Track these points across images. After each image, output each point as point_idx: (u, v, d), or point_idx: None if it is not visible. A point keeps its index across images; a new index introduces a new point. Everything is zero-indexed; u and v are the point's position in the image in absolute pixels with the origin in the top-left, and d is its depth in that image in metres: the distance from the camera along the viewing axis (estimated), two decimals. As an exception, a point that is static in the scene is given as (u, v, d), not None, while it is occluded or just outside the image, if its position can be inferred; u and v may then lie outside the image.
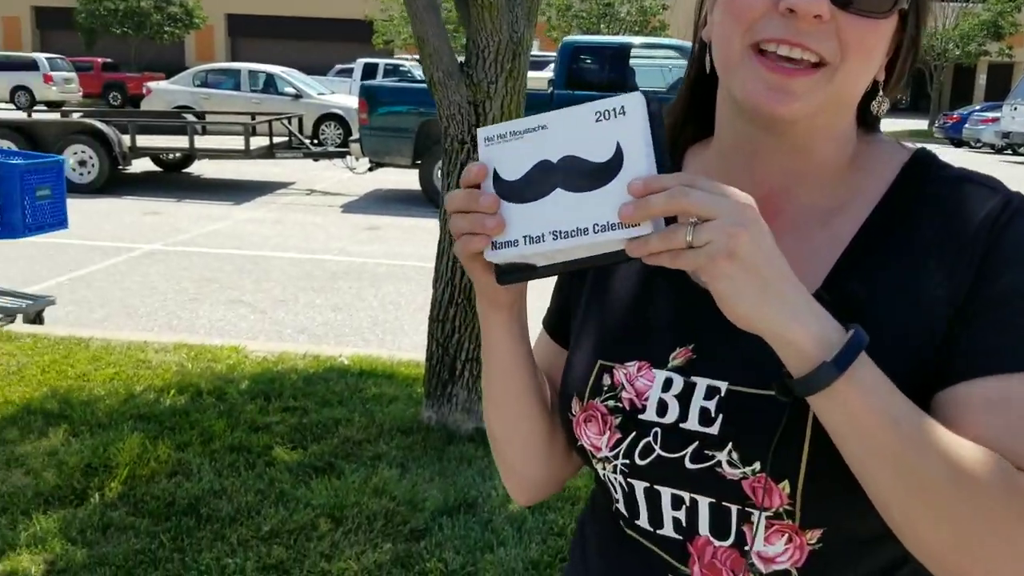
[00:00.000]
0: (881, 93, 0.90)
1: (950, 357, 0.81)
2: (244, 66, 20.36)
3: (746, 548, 0.86)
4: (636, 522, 0.92)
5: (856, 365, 0.73)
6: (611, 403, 0.91)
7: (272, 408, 4.29)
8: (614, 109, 0.75)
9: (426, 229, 9.26)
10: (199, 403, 4.34)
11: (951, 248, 0.83)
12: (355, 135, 13.18)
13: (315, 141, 17.37)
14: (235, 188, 12.86)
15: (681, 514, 0.89)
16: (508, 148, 0.80)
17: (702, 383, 0.87)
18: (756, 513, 0.84)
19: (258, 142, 13.02)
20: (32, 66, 29.07)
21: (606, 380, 0.92)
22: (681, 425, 0.87)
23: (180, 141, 12.95)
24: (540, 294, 1.07)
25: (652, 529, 0.91)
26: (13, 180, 5.67)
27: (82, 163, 11.78)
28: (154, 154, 13.37)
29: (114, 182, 11.97)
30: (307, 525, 3.25)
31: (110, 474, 3.59)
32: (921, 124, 31.69)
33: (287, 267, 8.09)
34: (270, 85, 19.35)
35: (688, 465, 0.86)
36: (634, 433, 0.89)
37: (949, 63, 33.67)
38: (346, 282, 7.60)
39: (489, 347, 0.95)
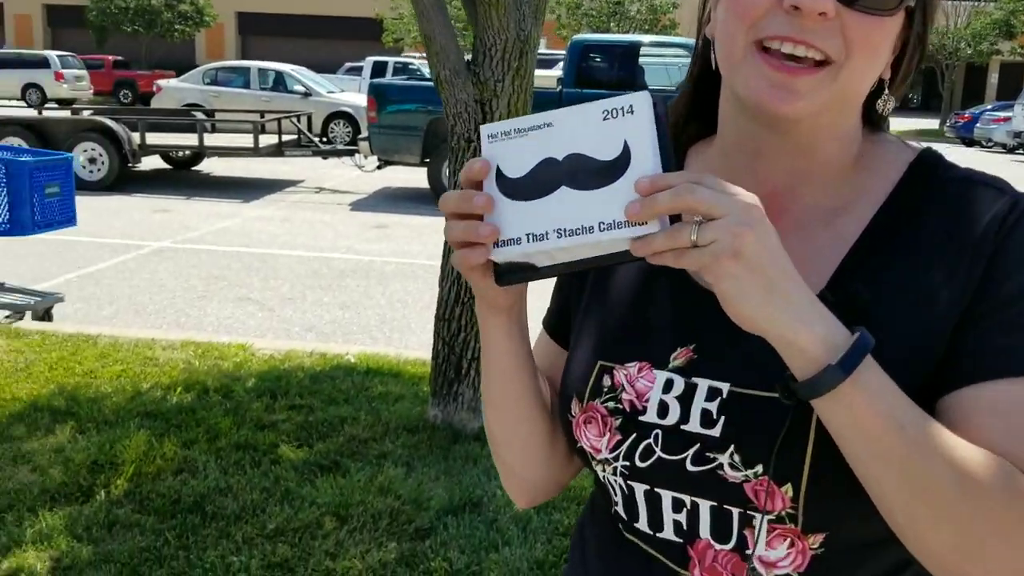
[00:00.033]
0: (887, 91, 0.89)
1: (956, 359, 0.79)
2: (254, 64, 20.40)
3: (747, 552, 0.85)
4: (636, 525, 0.91)
5: (861, 368, 0.72)
6: (611, 404, 0.90)
7: (278, 406, 4.29)
8: (622, 108, 0.74)
9: (434, 228, 9.26)
10: (206, 401, 4.34)
11: (958, 249, 0.82)
12: (364, 133, 13.19)
13: (324, 139, 17.39)
14: (244, 186, 12.88)
15: (682, 517, 0.87)
16: (512, 145, 0.79)
17: (704, 384, 0.86)
18: (758, 517, 0.83)
19: (267, 140, 13.03)
20: (43, 64, 29.18)
21: (606, 381, 0.91)
22: (682, 427, 0.86)
23: (190, 139, 12.97)
24: (540, 295, 1.06)
25: (652, 532, 0.90)
26: (22, 177, 5.69)
27: (92, 160, 11.81)
28: (164, 152, 13.40)
29: (124, 179, 12.00)
30: (312, 523, 3.25)
31: (116, 471, 3.59)
32: (932, 123, 31.56)
33: (295, 265, 8.10)
34: (280, 83, 19.38)
35: (689, 467, 0.85)
36: (634, 435, 0.88)
37: (961, 62, 33.52)
38: (354, 280, 7.60)
39: (489, 350, 0.94)
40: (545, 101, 10.31)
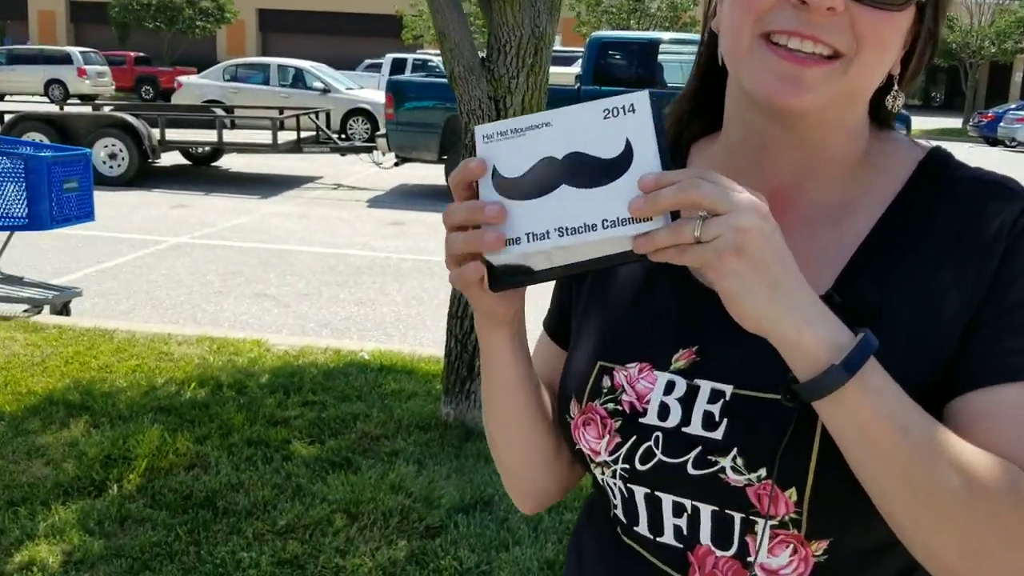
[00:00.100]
0: (896, 87, 0.86)
1: (965, 361, 0.78)
2: (273, 61, 20.47)
3: (749, 560, 0.83)
4: (635, 529, 0.89)
5: (865, 370, 0.70)
6: (611, 406, 0.88)
7: (291, 402, 4.29)
8: (623, 107, 0.74)
9: (451, 224, 9.23)
10: (219, 396, 4.35)
11: (968, 250, 0.80)
12: (382, 130, 13.21)
13: (343, 136, 17.43)
14: (262, 182, 12.92)
15: (682, 522, 0.85)
16: (509, 145, 0.77)
17: (706, 386, 0.84)
18: (760, 522, 0.81)
19: (286, 136, 13.08)
20: (66, 60, 29.41)
21: (606, 382, 0.89)
22: (683, 429, 0.84)
23: (209, 135, 13.02)
24: (540, 296, 1.04)
25: (652, 536, 0.88)
26: (41, 172, 5.72)
27: (112, 156, 11.88)
28: (183, 148, 13.47)
29: (143, 175, 12.07)
30: (323, 520, 3.25)
31: (129, 466, 3.60)
32: (956, 122, 31.29)
33: (312, 261, 8.11)
34: (299, 80, 19.43)
35: (690, 471, 0.83)
36: (634, 437, 0.86)
37: (984, 61, 33.20)
38: (370, 277, 7.60)
39: (490, 364, 0.92)
40: (563, 98, 10.29)
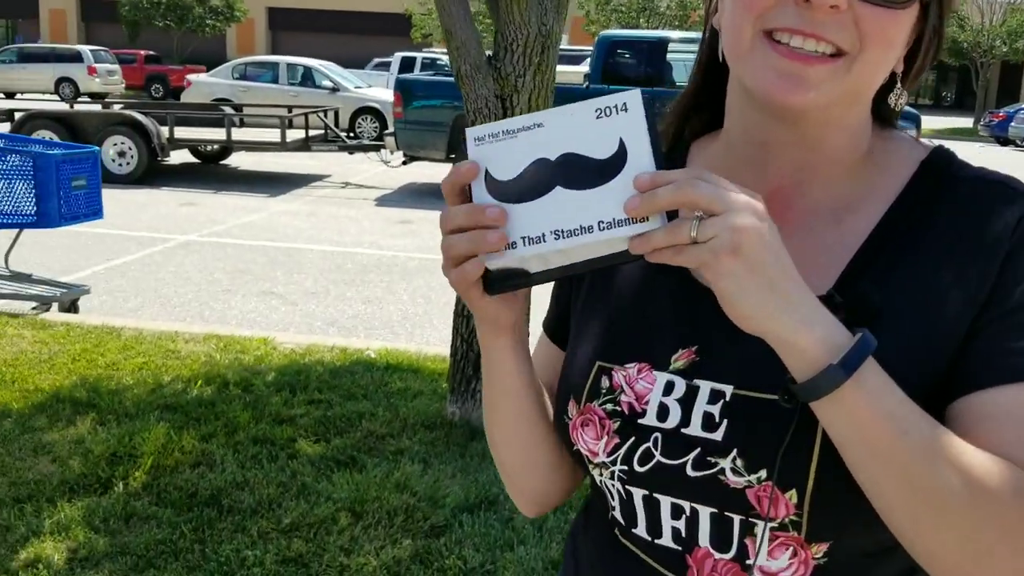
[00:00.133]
0: (899, 86, 0.85)
1: (967, 362, 0.77)
2: (282, 59, 20.50)
3: (748, 562, 0.82)
4: (633, 531, 0.89)
5: (863, 370, 0.69)
6: (609, 406, 0.87)
7: (297, 401, 4.29)
8: (616, 106, 0.73)
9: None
10: (225, 394, 4.35)
11: (971, 250, 0.79)
12: (390, 128, 13.22)
13: (351, 134, 17.44)
14: (271, 180, 12.94)
15: (680, 524, 0.85)
16: (501, 147, 0.76)
17: (705, 386, 0.83)
18: (760, 524, 0.80)
19: (294, 135, 13.09)
20: (77, 58, 29.50)
21: (604, 382, 0.88)
22: (683, 430, 0.83)
23: (218, 133, 13.05)
24: (542, 298, 1.03)
25: (650, 539, 0.87)
26: (49, 170, 5.75)
27: (121, 154, 11.91)
28: (192, 146, 13.50)
29: (152, 173, 12.10)
30: (327, 519, 3.25)
31: (135, 464, 3.61)
32: (966, 122, 31.16)
33: (319, 260, 8.12)
34: (308, 78, 19.44)
35: (689, 472, 0.82)
36: (633, 438, 0.85)
37: (996, 60, 33.05)
38: (377, 275, 7.61)
39: (492, 371, 0.91)
40: (572, 97, 10.25)
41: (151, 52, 34.56)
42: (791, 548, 0.81)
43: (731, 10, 0.81)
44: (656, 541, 0.87)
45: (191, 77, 20.80)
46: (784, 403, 0.74)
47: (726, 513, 0.82)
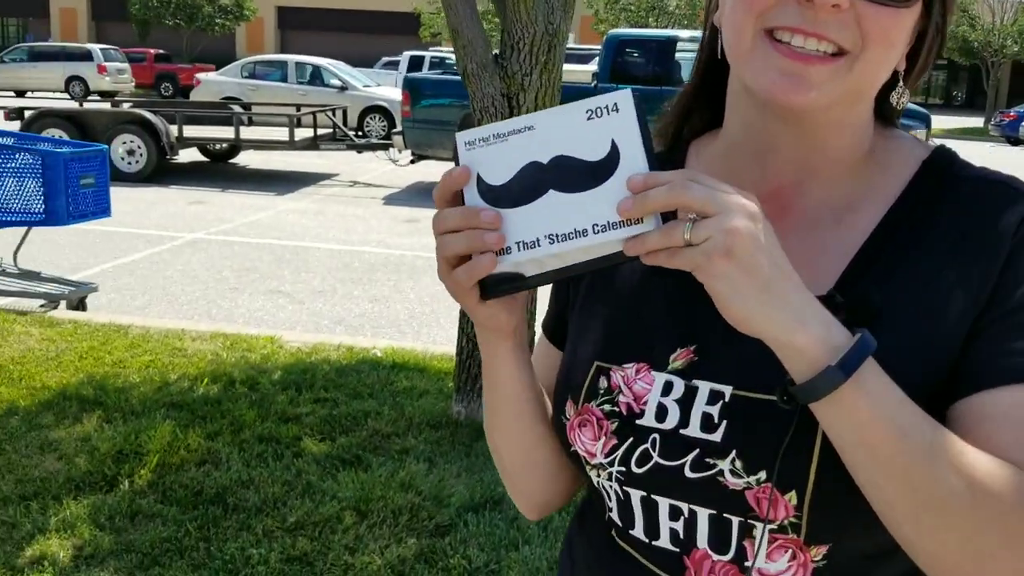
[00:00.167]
0: (901, 84, 0.85)
1: (969, 363, 0.76)
2: (291, 58, 20.53)
3: (747, 564, 0.81)
4: (631, 532, 0.88)
5: (862, 371, 0.69)
6: (607, 407, 0.86)
7: (303, 399, 4.30)
8: (606, 106, 0.73)
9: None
10: (231, 392, 4.36)
11: (972, 249, 0.79)
12: (399, 127, 13.22)
13: (359, 133, 17.46)
14: (279, 179, 12.96)
15: (679, 525, 0.84)
16: (492, 151, 0.76)
17: (704, 387, 0.82)
18: (759, 526, 0.79)
19: (303, 133, 13.10)
20: (87, 57, 29.59)
21: (602, 383, 0.88)
22: (681, 431, 0.82)
23: (226, 132, 13.07)
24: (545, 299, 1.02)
25: (647, 540, 0.86)
26: (58, 168, 5.76)
27: (131, 152, 11.95)
28: (201, 144, 13.53)
29: (161, 171, 12.13)
30: (332, 518, 3.24)
31: (140, 461, 3.61)
32: (977, 122, 31.02)
33: (326, 258, 8.13)
34: (316, 77, 19.48)
35: (688, 474, 0.81)
36: (631, 439, 0.84)
37: (1007, 59, 32.88)
38: (384, 274, 7.61)
39: (495, 376, 0.90)
40: (580, 96, 10.24)
41: (161, 51, 34.68)
42: (790, 551, 0.80)
43: (732, 8, 0.80)
44: (654, 543, 0.86)
45: (200, 76, 20.85)
46: (783, 404, 0.73)
47: (725, 515, 0.81)
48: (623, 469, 0.85)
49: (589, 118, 0.73)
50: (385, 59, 29.75)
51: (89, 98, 24.27)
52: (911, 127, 10.29)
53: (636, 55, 11.43)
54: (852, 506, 0.75)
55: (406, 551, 3.06)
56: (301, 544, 3.08)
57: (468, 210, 0.75)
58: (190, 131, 12.67)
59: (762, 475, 0.78)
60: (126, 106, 13.81)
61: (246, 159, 14.54)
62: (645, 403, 0.84)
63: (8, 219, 5.84)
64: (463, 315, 3.97)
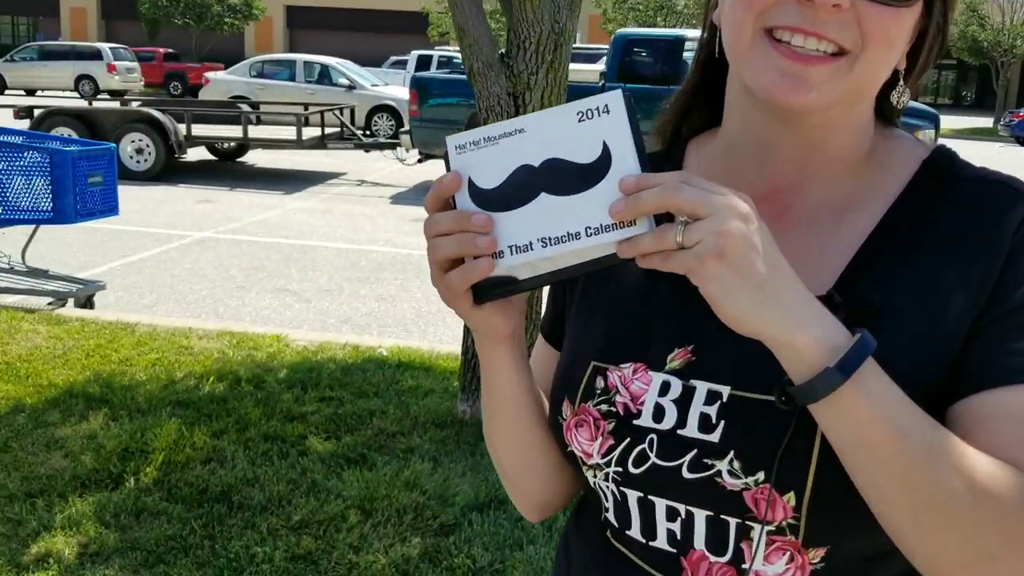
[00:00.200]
0: (901, 83, 0.84)
1: (969, 363, 0.76)
2: (299, 57, 20.56)
3: (744, 566, 0.81)
4: (627, 533, 0.87)
5: (862, 371, 0.68)
6: (604, 407, 0.86)
7: (308, 398, 4.30)
8: (597, 108, 0.72)
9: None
10: (237, 391, 4.36)
11: (973, 250, 0.78)
12: (406, 126, 13.23)
13: (367, 132, 17.47)
14: (287, 177, 12.98)
15: (676, 526, 0.83)
16: (483, 155, 0.76)
17: (702, 387, 0.82)
18: (757, 528, 0.79)
19: (310, 132, 13.12)
20: (96, 56, 29.69)
21: (599, 383, 0.87)
22: (679, 432, 0.82)
23: (234, 130, 13.10)
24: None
25: (644, 541, 0.86)
26: (65, 167, 5.78)
27: (139, 151, 11.98)
28: (209, 143, 13.56)
29: (170, 170, 12.16)
30: (337, 516, 3.25)
31: (146, 459, 3.62)
32: (986, 122, 30.90)
33: (334, 257, 8.13)
34: (324, 76, 19.49)
35: (685, 474, 0.81)
36: (628, 439, 0.84)
37: (1016, 60, 32.73)
38: (392, 273, 7.61)
39: (493, 380, 0.90)
40: (588, 95, 10.22)
41: (170, 50, 34.81)
42: (788, 553, 0.79)
43: (731, 7, 0.80)
44: (650, 543, 0.86)
45: (209, 75, 20.90)
46: (781, 405, 0.72)
47: (722, 516, 0.81)
48: (620, 469, 0.84)
49: (580, 120, 0.73)
50: (393, 58, 29.78)
51: (98, 97, 24.34)
52: (920, 127, 10.24)
53: (644, 54, 11.41)
54: (851, 508, 0.74)
55: (410, 550, 3.06)
56: (305, 543, 3.08)
57: (459, 214, 0.75)
58: (198, 130, 12.70)
59: (760, 476, 0.78)
60: (135, 105, 13.85)
61: (254, 158, 14.56)
62: (642, 403, 0.84)
63: (17, 217, 5.86)
64: (468, 314, 3.96)
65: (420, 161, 12.55)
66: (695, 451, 0.80)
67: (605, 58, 12.45)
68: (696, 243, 0.67)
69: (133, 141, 11.92)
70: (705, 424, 0.81)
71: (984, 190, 0.81)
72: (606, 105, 0.72)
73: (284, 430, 3.92)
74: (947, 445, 0.69)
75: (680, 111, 0.96)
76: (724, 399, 0.81)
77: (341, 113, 13.78)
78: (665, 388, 0.83)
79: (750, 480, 0.78)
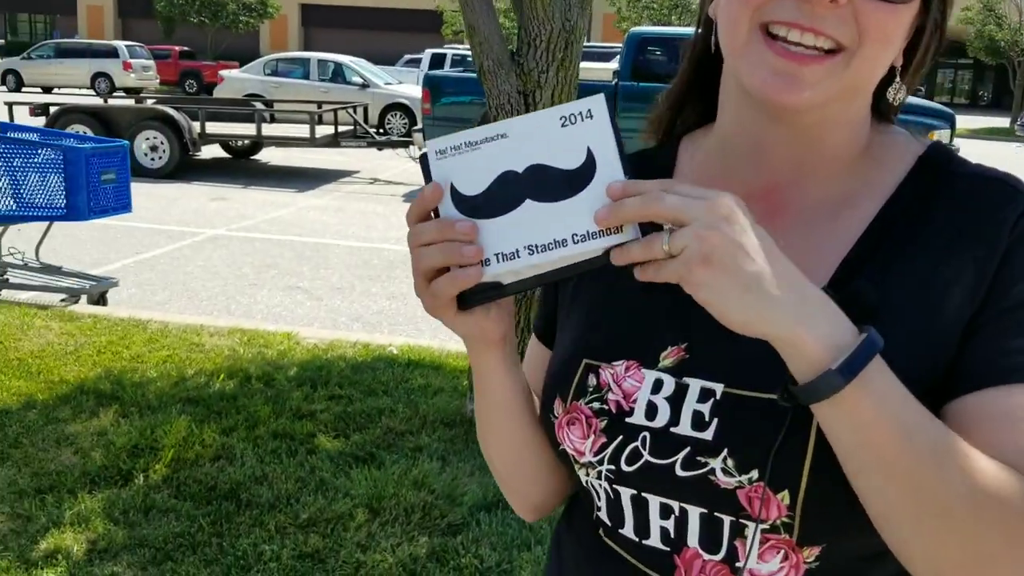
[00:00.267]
0: (898, 80, 0.83)
1: (965, 361, 0.75)
2: (313, 55, 20.61)
3: (738, 565, 0.80)
4: (620, 531, 0.87)
5: (868, 370, 0.67)
6: (596, 405, 0.85)
7: (318, 396, 4.30)
8: (580, 113, 0.72)
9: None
10: (247, 388, 4.37)
11: (969, 247, 0.77)
12: (419, 125, 13.23)
13: (381, 130, 17.49)
14: (300, 175, 13.01)
15: (669, 524, 0.83)
16: (465, 160, 0.75)
17: (695, 385, 0.81)
18: (751, 526, 0.78)
19: (324, 130, 13.14)
20: (112, 54, 29.85)
21: (591, 381, 0.86)
22: (672, 429, 0.81)
23: (248, 128, 13.14)
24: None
25: (637, 539, 0.85)
26: (79, 164, 5.80)
27: (153, 148, 12.02)
28: (223, 141, 13.60)
29: (184, 168, 12.20)
30: (345, 515, 3.25)
31: (155, 456, 3.63)
32: (1003, 122, 30.67)
33: (346, 255, 8.14)
34: (338, 74, 19.53)
35: (679, 472, 0.80)
36: (621, 437, 0.83)
37: (1034, 59, 32.46)
38: (403, 271, 7.61)
39: (486, 384, 0.90)
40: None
41: (185, 48, 34.98)
42: (782, 551, 0.79)
43: (728, 1, 0.79)
44: (644, 542, 0.85)
45: (224, 73, 20.98)
46: (783, 403, 0.71)
47: (716, 514, 0.80)
48: (613, 467, 0.84)
49: (563, 125, 0.72)
50: (407, 56, 29.81)
51: (114, 94, 24.48)
52: (936, 127, 10.16)
53: (658, 53, 11.36)
54: (846, 507, 0.73)
55: (418, 549, 3.05)
56: (313, 541, 3.08)
57: (442, 222, 0.74)
58: (212, 128, 12.74)
59: (754, 474, 0.77)
60: (150, 103, 13.90)
61: (267, 156, 14.61)
62: (635, 401, 0.83)
63: (31, 214, 5.89)
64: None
65: (433, 159, 12.54)
66: (688, 449, 0.80)
67: (619, 57, 12.42)
68: (682, 250, 0.67)
69: (148, 139, 11.97)
70: (698, 422, 0.80)
71: (980, 186, 0.80)
72: (589, 110, 0.72)
73: (293, 428, 3.92)
74: (952, 446, 0.68)
75: (674, 106, 0.95)
76: (717, 397, 0.80)
77: (354, 111, 13.80)
78: (658, 386, 0.83)
79: (744, 478, 0.77)
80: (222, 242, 8.50)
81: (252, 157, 14.40)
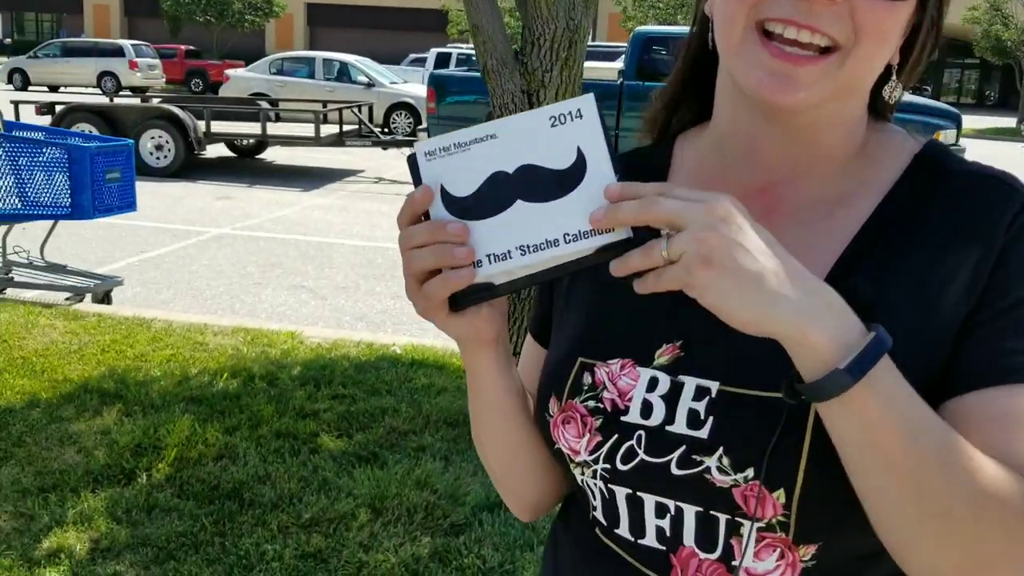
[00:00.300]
0: (894, 78, 0.83)
1: (963, 360, 0.74)
2: (318, 54, 20.62)
3: (734, 563, 0.80)
4: (616, 531, 0.86)
5: (875, 371, 0.66)
6: (591, 403, 0.85)
7: (321, 395, 4.30)
8: (570, 112, 0.72)
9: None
10: (251, 387, 4.37)
11: (965, 245, 0.77)
12: (424, 124, 13.24)
13: (385, 130, 17.50)
14: (305, 175, 13.02)
15: (665, 523, 0.82)
16: (454, 162, 0.75)
17: (691, 383, 0.81)
18: (746, 524, 0.78)
19: (329, 130, 13.15)
20: (118, 52, 29.92)
21: (586, 379, 0.86)
22: (667, 428, 0.81)
23: (253, 128, 13.15)
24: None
25: (633, 538, 0.85)
26: (84, 163, 5.81)
27: (159, 147, 12.04)
28: (228, 140, 13.61)
29: (189, 167, 12.21)
30: (347, 515, 3.24)
31: (159, 455, 3.63)
32: (1010, 121, 30.60)
33: (350, 254, 8.15)
34: (343, 73, 19.55)
35: (674, 471, 0.80)
36: (616, 436, 0.83)
37: (1041, 59, 32.36)
38: (407, 271, 7.61)
39: (480, 385, 0.90)
40: (606, 94, 10.21)
41: (191, 47, 35.04)
42: (778, 550, 0.78)
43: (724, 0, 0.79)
44: (639, 541, 0.85)
45: (229, 72, 21.02)
46: (788, 399, 0.71)
47: (711, 512, 0.80)
48: (608, 466, 0.83)
49: (553, 125, 0.72)
50: (412, 56, 29.83)
51: (120, 93, 24.53)
52: (942, 127, 10.13)
53: (663, 52, 11.35)
54: (842, 505, 0.73)
55: (420, 549, 3.05)
56: (316, 541, 3.08)
57: (433, 224, 0.74)
58: (218, 127, 12.75)
59: (749, 472, 0.76)
60: (155, 101, 13.92)
61: (273, 155, 14.62)
62: (630, 399, 0.83)
63: (36, 212, 5.90)
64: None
65: (438, 159, 12.55)
66: (684, 447, 0.79)
67: (624, 56, 12.40)
68: (681, 254, 0.66)
69: (153, 138, 11.99)
70: (694, 420, 0.80)
71: (976, 184, 0.80)
72: (578, 110, 0.72)
73: (296, 427, 3.92)
74: (955, 447, 0.68)
75: (669, 105, 0.95)
76: (713, 395, 0.79)
77: (360, 110, 13.81)
78: (653, 384, 0.82)
79: (739, 477, 0.77)
80: (227, 241, 8.51)
81: (257, 156, 14.42)
